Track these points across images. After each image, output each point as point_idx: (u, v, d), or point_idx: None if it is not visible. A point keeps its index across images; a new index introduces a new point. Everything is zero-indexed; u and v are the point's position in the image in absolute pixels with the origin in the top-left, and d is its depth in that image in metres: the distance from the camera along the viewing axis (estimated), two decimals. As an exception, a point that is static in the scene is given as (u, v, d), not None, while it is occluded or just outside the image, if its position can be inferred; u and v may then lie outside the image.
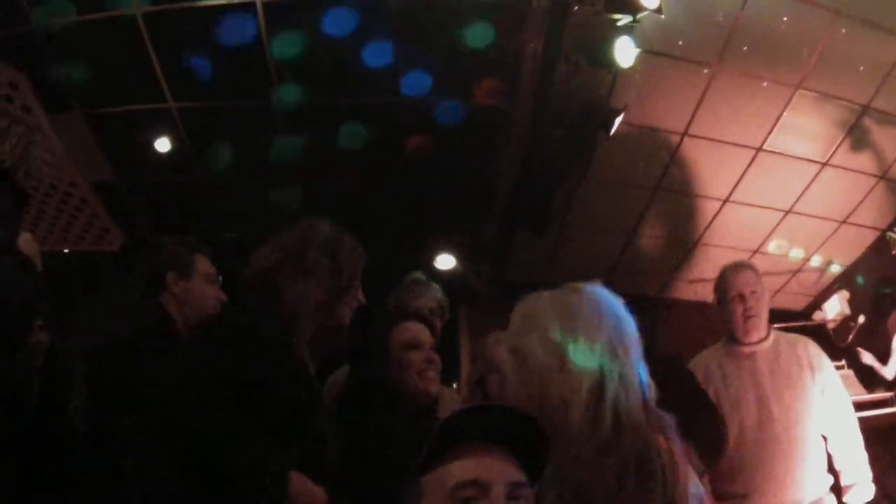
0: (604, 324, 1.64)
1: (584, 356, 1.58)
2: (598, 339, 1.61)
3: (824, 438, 3.21)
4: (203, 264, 2.83)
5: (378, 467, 1.86)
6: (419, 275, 3.44)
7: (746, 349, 3.34)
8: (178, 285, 2.72)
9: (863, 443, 3.24)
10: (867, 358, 6.01)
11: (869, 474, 3.18)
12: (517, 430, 1.37)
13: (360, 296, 2.26)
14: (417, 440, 1.37)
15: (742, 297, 3.34)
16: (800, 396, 3.19)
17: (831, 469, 3.21)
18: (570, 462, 1.47)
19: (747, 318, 3.33)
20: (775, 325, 6.02)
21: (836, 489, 3.19)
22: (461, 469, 1.32)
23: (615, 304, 1.74)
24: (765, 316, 3.38)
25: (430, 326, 2.56)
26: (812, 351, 3.34)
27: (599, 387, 1.55)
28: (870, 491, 3.16)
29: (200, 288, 2.77)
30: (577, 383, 1.55)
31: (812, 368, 3.25)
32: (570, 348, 1.59)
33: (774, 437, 3.13)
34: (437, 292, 3.31)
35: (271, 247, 2.18)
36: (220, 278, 2.88)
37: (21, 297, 1.71)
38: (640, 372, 1.65)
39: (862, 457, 3.20)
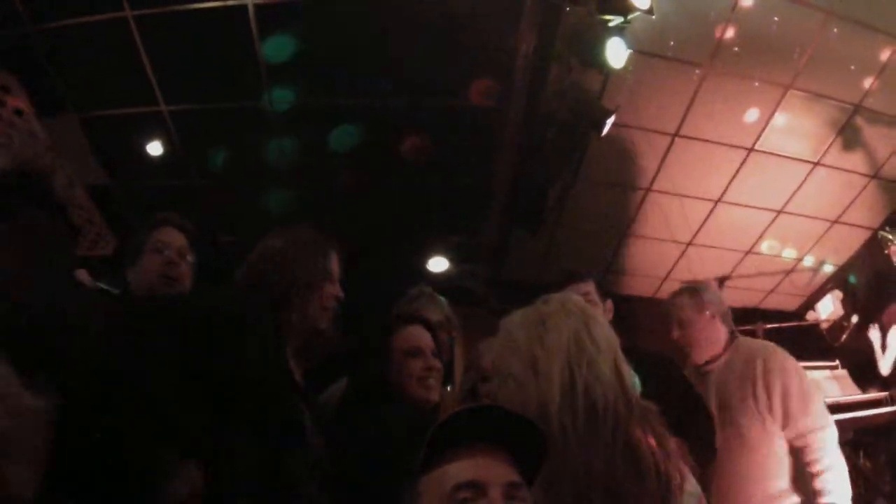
0: (569, 323, 1.70)
1: (551, 357, 1.62)
2: (564, 339, 1.66)
3: (797, 449, 3.00)
4: (153, 237, 2.61)
5: (376, 469, 1.85)
6: (425, 287, 3.28)
7: (701, 370, 3.31)
8: (133, 276, 2.56)
9: (837, 454, 2.96)
10: (874, 336, 5.99)
11: (838, 489, 2.88)
12: (513, 431, 1.38)
13: (336, 290, 2.25)
14: (416, 443, 1.37)
15: (674, 324, 3.36)
16: (737, 417, 3.08)
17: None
18: (561, 460, 1.49)
19: (683, 343, 3.33)
20: (768, 326, 6.09)
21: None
22: (459, 470, 1.33)
23: (583, 304, 1.81)
24: (706, 338, 3.30)
25: (432, 331, 2.50)
26: (761, 366, 3.10)
27: (571, 381, 1.59)
28: None
29: (145, 264, 2.55)
30: (550, 383, 1.60)
31: (754, 385, 3.07)
32: (539, 354, 1.65)
33: None
34: (444, 306, 3.15)
35: (244, 269, 2.20)
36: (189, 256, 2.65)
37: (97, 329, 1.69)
38: (620, 366, 1.68)
39: (832, 468, 2.92)
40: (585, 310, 1.78)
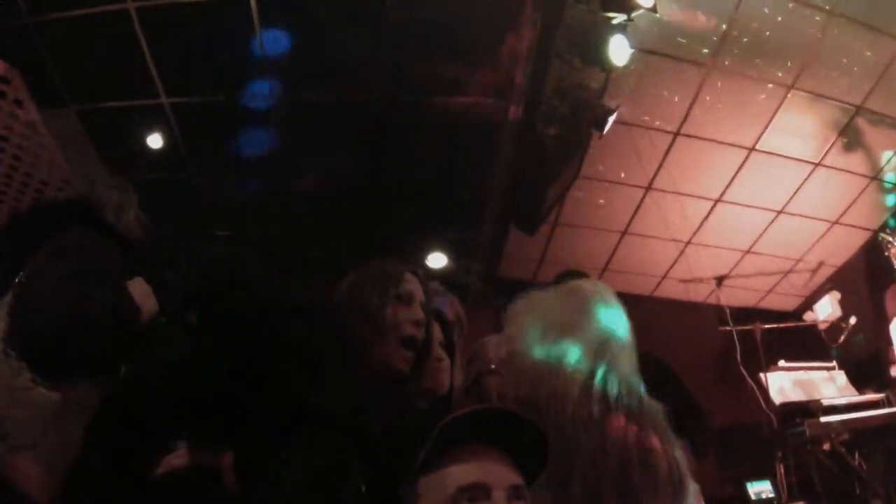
0: (591, 319, 1.67)
1: (572, 353, 1.60)
2: (586, 335, 1.63)
3: None
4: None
5: (379, 468, 1.81)
6: (436, 285, 2.92)
7: None
8: None
9: None
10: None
11: None
12: (516, 433, 1.37)
13: (414, 314, 2.02)
14: (421, 441, 1.35)
15: None
16: None
17: None
18: (572, 456, 1.48)
19: None
20: (765, 326, 6.06)
21: None
22: (461, 472, 1.32)
23: (604, 298, 1.76)
24: None
25: (444, 325, 2.37)
26: None
27: (590, 379, 1.57)
28: None
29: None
30: (569, 379, 1.57)
31: None
32: (560, 348, 1.61)
33: None
34: (457, 306, 2.86)
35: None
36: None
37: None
38: (634, 364, 1.67)
39: None
40: (608, 303, 1.75)
